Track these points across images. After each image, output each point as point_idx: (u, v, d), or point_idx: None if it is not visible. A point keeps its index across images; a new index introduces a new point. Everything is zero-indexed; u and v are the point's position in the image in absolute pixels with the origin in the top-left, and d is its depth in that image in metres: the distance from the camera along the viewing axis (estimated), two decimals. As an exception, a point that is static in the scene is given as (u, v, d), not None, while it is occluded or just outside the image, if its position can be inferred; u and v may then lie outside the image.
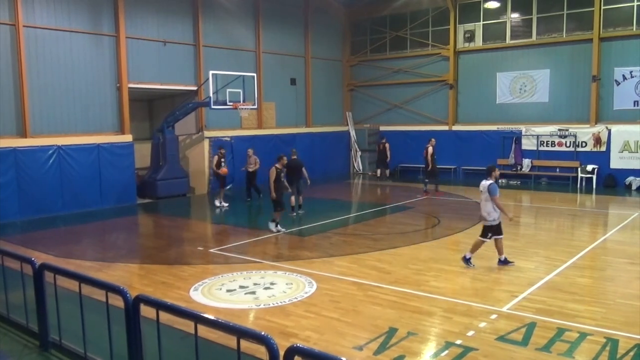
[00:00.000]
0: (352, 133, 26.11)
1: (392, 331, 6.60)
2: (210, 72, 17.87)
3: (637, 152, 19.39)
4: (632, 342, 6.15)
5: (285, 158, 13.33)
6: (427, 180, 18.83)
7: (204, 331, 4.33)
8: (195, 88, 19.75)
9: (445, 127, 23.76)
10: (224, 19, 20.68)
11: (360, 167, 26.01)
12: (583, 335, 6.39)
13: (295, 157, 15.18)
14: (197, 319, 4.26)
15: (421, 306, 7.58)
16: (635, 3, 19.40)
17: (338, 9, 25.32)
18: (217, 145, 18.93)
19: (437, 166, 18.97)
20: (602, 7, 19.96)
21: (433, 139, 18.81)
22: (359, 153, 26.04)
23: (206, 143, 19.96)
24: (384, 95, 25.63)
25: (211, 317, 4.38)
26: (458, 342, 6.29)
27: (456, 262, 10.02)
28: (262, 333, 3.57)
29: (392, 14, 24.89)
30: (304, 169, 14.87)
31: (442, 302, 7.73)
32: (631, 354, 5.88)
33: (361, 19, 25.83)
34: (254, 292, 8.26)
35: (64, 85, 16.20)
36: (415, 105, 24.75)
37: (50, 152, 15.60)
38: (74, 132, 16.37)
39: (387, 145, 22.56)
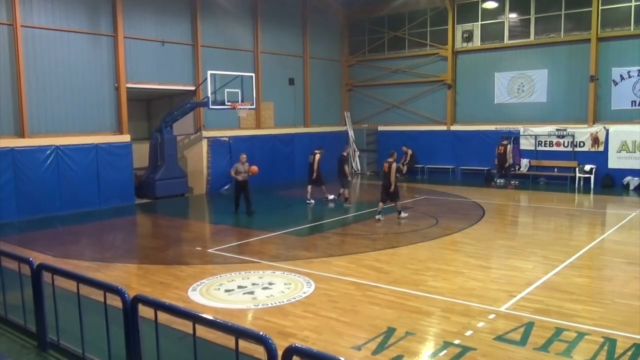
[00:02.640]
0: (351, 133, 26.12)
1: (390, 331, 6.61)
2: (209, 72, 17.87)
3: (635, 152, 19.42)
4: (630, 342, 6.17)
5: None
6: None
7: (202, 331, 4.33)
8: (193, 88, 19.74)
9: (444, 127, 23.78)
10: (222, 19, 20.68)
11: (359, 167, 26.02)
12: (581, 335, 6.40)
13: (344, 153, 17.42)
14: (196, 319, 4.26)
15: (419, 306, 7.58)
16: (633, 3, 19.44)
17: (336, 9, 25.32)
18: (218, 144, 18.90)
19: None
20: (600, 7, 20.00)
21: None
22: (357, 153, 26.05)
23: (204, 143, 19.95)
24: (383, 95, 25.65)
25: (209, 317, 4.38)
26: (456, 341, 6.29)
27: (454, 261, 10.05)
28: (260, 333, 3.57)
29: (390, 14, 24.90)
30: (345, 166, 16.85)
31: (440, 302, 7.74)
32: (629, 353, 5.90)
33: (359, 19, 25.86)
34: (252, 292, 8.26)
35: (62, 85, 16.18)
36: (414, 105, 24.77)
37: (48, 152, 15.58)
38: (72, 132, 16.35)
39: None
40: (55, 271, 5.79)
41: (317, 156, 16.89)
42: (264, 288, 8.46)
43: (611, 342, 6.18)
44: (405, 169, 18.29)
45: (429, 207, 16.46)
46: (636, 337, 6.29)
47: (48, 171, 15.56)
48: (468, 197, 17.63)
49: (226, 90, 18.04)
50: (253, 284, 8.65)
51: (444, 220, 14.14)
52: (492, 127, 22.26)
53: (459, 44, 23.53)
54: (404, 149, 23.15)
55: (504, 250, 11.09)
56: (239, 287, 8.54)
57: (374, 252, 10.75)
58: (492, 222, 13.87)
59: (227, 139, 20.43)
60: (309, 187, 17.25)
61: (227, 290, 8.38)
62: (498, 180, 20.31)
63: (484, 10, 22.83)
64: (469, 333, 6.54)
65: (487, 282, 8.72)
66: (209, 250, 11.27)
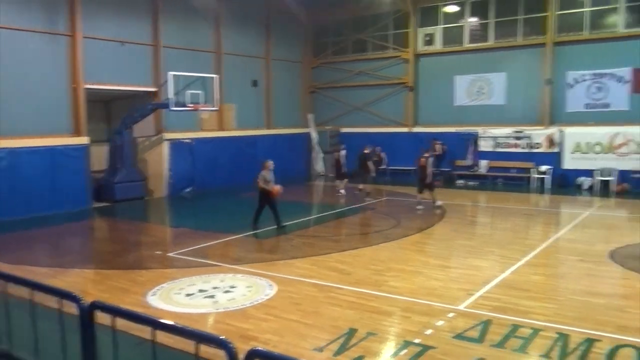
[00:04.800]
0: (314, 135, 26.17)
1: (351, 332, 6.66)
2: (169, 73, 17.60)
3: (588, 153, 20.11)
4: (582, 337, 6.37)
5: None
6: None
7: (162, 337, 4.27)
8: (154, 89, 19.44)
9: (406, 129, 24.09)
10: (184, 19, 20.44)
11: (322, 169, 26.08)
12: (536, 331, 6.58)
13: (367, 151, 18.95)
14: (155, 324, 4.19)
15: (381, 306, 7.67)
16: (586, 9, 20.15)
17: (300, 11, 25.35)
18: (180, 147, 18.67)
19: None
20: (556, 13, 20.64)
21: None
22: (320, 155, 26.11)
23: (165, 145, 19.67)
24: (346, 98, 25.82)
25: (169, 322, 4.31)
26: (416, 341, 6.39)
27: (415, 262, 10.19)
28: (221, 337, 3.55)
29: (353, 16, 25.08)
30: (368, 162, 18.61)
31: (401, 302, 7.84)
32: (582, 348, 6.10)
33: (323, 21, 25.95)
34: (213, 296, 8.20)
35: (16, 86, 15.65)
36: (376, 107, 25.01)
37: (1, 155, 15.08)
38: (26, 135, 15.85)
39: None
40: (7, 278, 5.61)
41: (342, 152, 19.12)
42: (226, 291, 8.40)
43: (564, 337, 6.38)
44: (374, 169, 18.67)
45: (390, 208, 16.66)
46: (588, 332, 6.51)
47: (1, 175, 15.03)
48: (429, 198, 17.86)
49: (188, 91, 17.83)
50: (214, 288, 8.58)
51: (405, 221, 14.32)
52: (452, 129, 22.67)
53: (421, 47, 23.89)
54: (375, 150, 23.16)
55: (463, 249, 11.32)
56: (200, 290, 8.45)
57: (336, 254, 10.80)
58: (451, 223, 14.12)
59: (189, 140, 20.20)
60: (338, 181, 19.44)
61: (187, 295, 8.29)
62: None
63: (445, 14, 23.26)
64: (429, 332, 6.65)
65: (446, 282, 8.88)
66: (170, 254, 11.12)
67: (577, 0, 20.42)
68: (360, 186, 18.59)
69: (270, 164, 12.97)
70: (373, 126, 24.68)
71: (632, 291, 8.24)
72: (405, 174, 22.36)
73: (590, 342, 6.22)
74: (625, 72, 19.51)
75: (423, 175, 15.78)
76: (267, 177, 12.83)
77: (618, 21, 19.77)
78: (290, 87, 25.78)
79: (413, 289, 8.45)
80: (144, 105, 18.67)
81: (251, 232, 12.88)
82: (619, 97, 19.76)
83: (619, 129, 19.52)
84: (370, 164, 18.68)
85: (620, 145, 19.60)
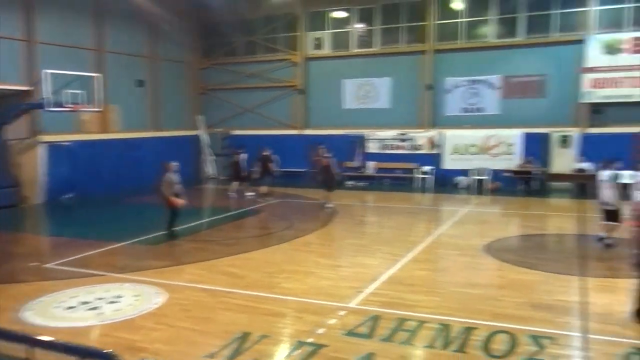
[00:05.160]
0: (204, 137, 25.65)
1: (244, 336, 6.61)
2: (44, 71, 16.38)
3: (465, 154, 21.59)
4: (462, 326, 6.82)
5: None
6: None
7: (40, 355, 3.98)
8: (28, 88, 18.00)
9: (296, 132, 24.37)
10: (62, 14, 19.16)
11: (214, 172, 25.62)
12: (421, 324, 6.94)
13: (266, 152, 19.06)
14: (30, 341, 3.89)
15: (273, 308, 7.69)
16: (462, 20, 21.64)
17: (188, 11, 24.72)
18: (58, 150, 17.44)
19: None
20: (435, 22, 21.93)
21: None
22: (211, 157, 25.64)
23: (41, 148, 18.30)
24: (237, 100, 25.59)
25: (47, 338, 4.03)
26: (309, 340, 6.48)
27: (307, 262, 10.33)
28: (106, 350, 3.38)
29: (243, 18, 24.92)
30: (269, 164, 18.81)
31: (293, 303, 7.92)
32: (462, 336, 6.52)
33: (212, 21, 25.49)
34: (97, 308, 7.75)
35: None
36: (268, 109, 25.04)
37: None
38: None
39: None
40: None
41: (243, 155, 19.21)
42: (111, 302, 7.99)
43: (447, 327, 6.79)
44: (275, 170, 19.11)
45: (283, 209, 16.75)
46: (467, 321, 6.97)
47: None
48: (320, 199, 18.21)
49: (67, 91, 16.72)
50: (98, 299, 8.12)
51: (297, 222, 14.47)
52: (341, 132, 23.27)
53: (310, 51, 24.30)
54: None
55: (353, 248, 11.67)
56: (82, 303, 7.96)
57: (228, 258, 10.67)
58: (342, 223, 14.49)
59: (68, 143, 18.93)
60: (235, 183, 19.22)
61: (68, 308, 7.77)
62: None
63: (333, 20, 23.84)
64: (321, 331, 6.77)
65: (337, 280, 9.09)
66: (47, 266, 10.34)
67: (454, 11, 21.85)
68: (262, 189, 18.69)
69: (173, 165, 12.39)
70: (264, 128, 24.66)
71: (506, 281, 8.96)
72: (296, 176, 22.59)
73: (469, 330, 6.67)
74: (496, 79, 21.22)
75: (327, 175, 16.28)
76: (173, 180, 12.23)
77: (490, 32, 21.43)
78: (178, 88, 25.09)
79: (305, 290, 8.57)
80: (17, 105, 17.24)
81: (136, 240, 12.33)
82: (491, 102, 21.42)
83: (492, 132, 21.15)
84: (272, 166, 18.95)
85: (492, 147, 21.24)
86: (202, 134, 25.67)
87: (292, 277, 9.30)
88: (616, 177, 10.48)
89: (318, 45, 24.15)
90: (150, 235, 12.60)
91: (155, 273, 9.55)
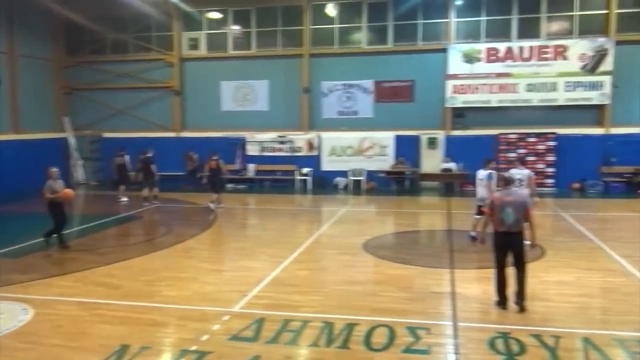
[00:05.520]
0: (71, 140, 23.99)
1: (123, 349, 6.30)
2: None
3: (342, 155, 22.32)
4: (344, 323, 7.04)
5: None
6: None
7: None
8: None
9: (173, 134, 23.65)
10: None
11: (83, 177, 24.05)
12: (305, 323, 7.06)
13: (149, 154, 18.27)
14: None
15: (154, 318, 7.41)
16: (336, 26, 22.35)
17: (50, 5, 22.93)
18: None
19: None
20: (310, 27, 22.42)
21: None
22: (80, 162, 24.05)
23: None
24: (108, 101, 24.23)
25: None
26: (193, 348, 6.34)
27: (188, 268, 10.09)
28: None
29: (112, 15, 23.65)
30: (152, 166, 18.06)
31: (175, 311, 7.69)
32: (344, 333, 6.74)
33: (78, 17, 23.85)
34: (-49, 330, 6.96)
35: None
36: (142, 111, 24.02)
37: None
38: None
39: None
40: None
41: (127, 157, 18.67)
42: (-32, 323, 7.21)
43: (329, 325, 6.97)
44: (140, 175, 18.19)
45: (161, 215, 16.21)
46: (349, 318, 7.22)
47: None
48: (200, 203, 17.85)
49: None
50: (-48, 320, 7.29)
51: (176, 227, 14.06)
52: (220, 134, 22.97)
53: (186, 51, 23.71)
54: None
55: (235, 252, 11.59)
56: None
57: (103, 267, 10.09)
58: (223, 226, 14.33)
59: None
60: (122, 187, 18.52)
61: None
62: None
63: (209, 20, 23.46)
64: (205, 337, 6.64)
65: (220, 285, 8.98)
66: None
67: (329, 17, 22.50)
68: (143, 192, 17.98)
69: (54, 172, 11.57)
70: (139, 131, 23.60)
71: (383, 277, 9.40)
72: (174, 180, 21.90)
73: (351, 326, 6.91)
74: (369, 83, 22.19)
75: (215, 177, 16.64)
76: (55, 187, 11.36)
77: (362, 38, 22.34)
78: (41, 88, 23.25)
79: (188, 296, 8.36)
80: None
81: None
82: (365, 105, 22.35)
83: (366, 134, 22.09)
84: (154, 167, 18.21)
85: (367, 149, 22.17)
86: (70, 136, 23.99)
87: (174, 284, 9.02)
88: (490, 176, 11.41)
89: (194, 45, 23.64)
90: (14, 247, 11.55)
91: (21, 288, 8.76)
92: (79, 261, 10.68)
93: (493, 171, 11.51)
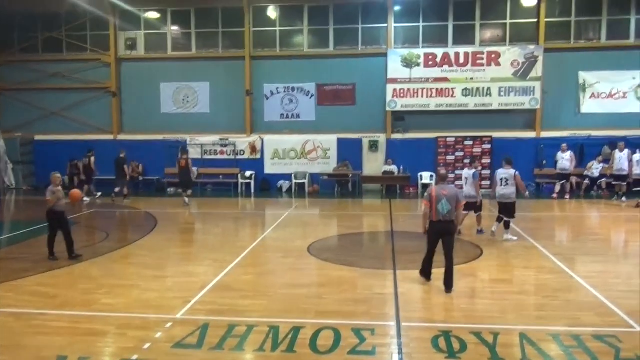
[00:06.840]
0: (0, 143, 22.80)
1: (60, 360, 6.07)
2: None
3: (285, 158, 22.33)
4: (290, 326, 7.04)
5: None
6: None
7: None
8: None
9: (110, 137, 22.95)
10: None
11: (13, 182, 22.93)
12: (250, 328, 7.01)
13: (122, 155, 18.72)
14: None
15: (93, 327, 7.16)
16: (277, 28, 22.36)
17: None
18: None
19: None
20: (252, 29, 22.32)
21: None
22: (10, 165, 22.88)
23: None
24: (39, 102, 23.24)
25: None
26: (134, 357, 6.17)
27: (129, 275, 9.82)
28: None
29: (44, 12, 22.72)
30: (125, 166, 18.81)
31: (115, 319, 7.45)
32: (290, 336, 6.74)
33: (5, 14, 22.77)
34: None
35: None
36: (77, 112, 23.19)
37: None
38: None
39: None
40: None
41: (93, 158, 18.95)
42: None
43: (275, 329, 6.96)
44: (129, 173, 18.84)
45: (99, 220, 15.70)
46: (294, 321, 7.22)
47: None
48: (140, 207, 17.40)
49: None
50: None
51: (115, 233, 13.69)
52: (160, 137, 22.48)
53: (123, 52, 23.07)
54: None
55: (177, 257, 11.36)
56: None
57: (36, 276, 9.65)
58: (165, 232, 14.01)
59: None
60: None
61: None
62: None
63: (147, 20, 22.92)
64: (146, 346, 6.48)
65: (163, 292, 8.78)
66: None
67: (270, 19, 22.47)
68: (117, 190, 18.64)
69: (58, 177, 10.89)
70: (75, 133, 22.78)
71: (327, 279, 9.46)
72: (111, 184, 21.20)
73: (297, 330, 6.93)
74: (311, 86, 22.31)
75: (185, 175, 17.86)
76: (59, 195, 10.67)
77: (304, 42, 22.44)
78: (-35, 87, 22.02)
79: (128, 304, 8.13)
80: None
81: None
82: (307, 108, 22.46)
83: (309, 137, 22.20)
84: (127, 168, 19.01)
85: (310, 151, 22.28)
86: (-2, 139, 22.82)
87: (113, 291, 8.74)
88: (475, 175, 12.55)
89: (131, 46, 23.05)
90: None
91: (-55, 301, 8.27)
92: (10, 270, 10.14)
93: (478, 170, 13.28)
